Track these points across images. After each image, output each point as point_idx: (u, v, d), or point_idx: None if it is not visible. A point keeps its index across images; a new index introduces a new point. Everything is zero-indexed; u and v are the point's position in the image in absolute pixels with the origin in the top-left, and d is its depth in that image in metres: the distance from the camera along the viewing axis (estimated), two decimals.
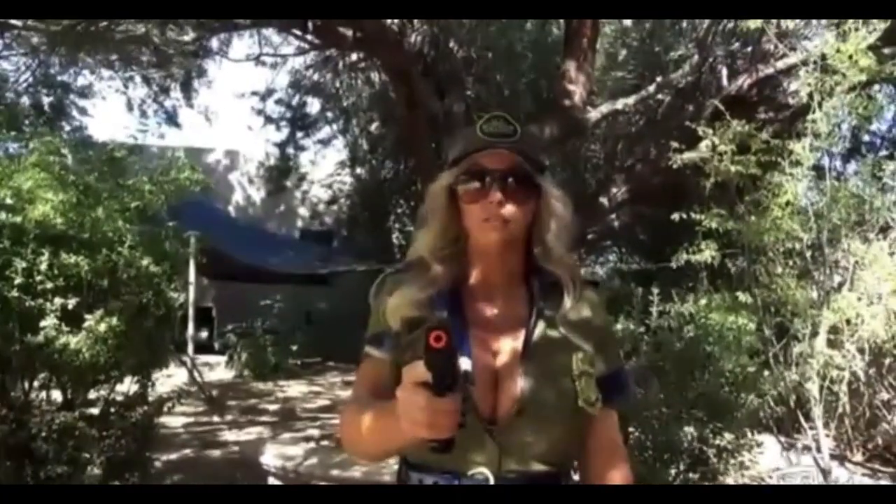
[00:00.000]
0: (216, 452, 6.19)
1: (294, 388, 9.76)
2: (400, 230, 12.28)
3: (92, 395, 3.92)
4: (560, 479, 1.24)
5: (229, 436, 6.87)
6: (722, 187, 5.39)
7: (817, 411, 4.94)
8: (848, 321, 4.61)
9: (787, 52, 6.49)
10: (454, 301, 1.28)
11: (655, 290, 3.89)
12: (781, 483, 4.26)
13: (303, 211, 15.38)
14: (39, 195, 3.86)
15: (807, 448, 5.12)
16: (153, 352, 4.02)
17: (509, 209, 1.23)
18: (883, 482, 5.26)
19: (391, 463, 1.32)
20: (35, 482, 3.48)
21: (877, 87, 6.95)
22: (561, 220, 1.28)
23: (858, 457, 6.09)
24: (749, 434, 3.85)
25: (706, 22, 7.21)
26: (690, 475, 3.57)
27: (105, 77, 10.68)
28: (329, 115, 12.15)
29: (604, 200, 7.75)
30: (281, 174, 12.83)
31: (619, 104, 7.11)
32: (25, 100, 11.40)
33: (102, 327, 3.49)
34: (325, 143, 12.73)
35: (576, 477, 1.31)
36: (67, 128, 11.35)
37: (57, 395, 3.87)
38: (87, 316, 3.57)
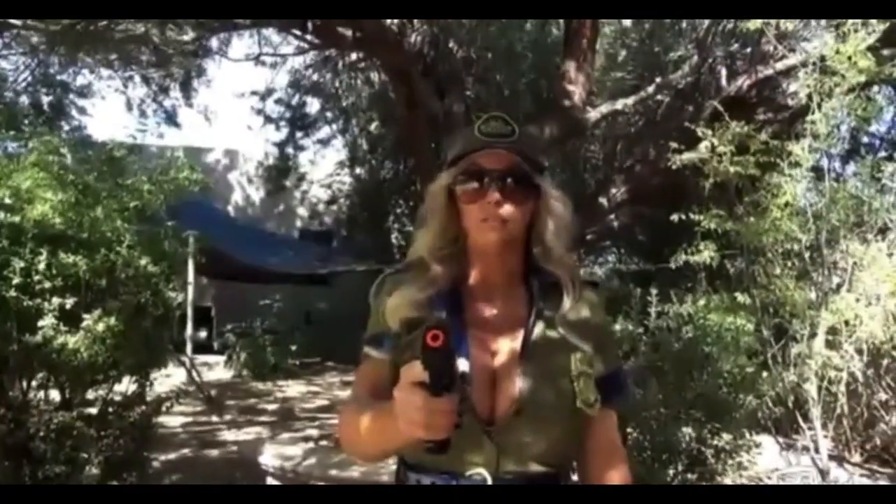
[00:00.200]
0: (214, 452, 6.19)
1: (293, 388, 9.76)
2: (399, 230, 12.28)
3: (90, 394, 3.91)
4: (559, 480, 1.24)
5: (228, 435, 6.86)
6: (721, 188, 5.40)
7: (815, 412, 4.94)
8: (846, 322, 4.62)
9: (786, 53, 6.50)
10: (453, 301, 1.27)
11: (654, 291, 3.89)
12: (780, 483, 4.26)
13: (302, 211, 15.38)
14: (38, 195, 3.86)
15: (805, 449, 5.13)
16: (151, 351, 4.01)
17: (507, 209, 1.23)
18: (881, 482, 5.26)
19: (390, 463, 1.32)
20: (33, 482, 3.47)
21: (876, 88, 6.95)
22: (560, 220, 1.28)
23: (857, 457, 6.10)
24: (747, 434, 3.85)
25: (706, 23, 7.21)
26: (689, 476, 3.57)
27: (104, 76, 10.67)
28: (328, 114, 12.16)
29: (603, 201, 7.75)
30: (280, 174, 12.82)
31: (619, 104, 7.11)
32: (25, 99, 11.40)
33: (100, 327, 3.48)
34: (324, 142, 12.74)
35: (574, 477, 1.31)
36: (67, 127, 11.34)
37: (55, 395, 3.86)
38: (86, 316, 3.56)
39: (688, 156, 5.85)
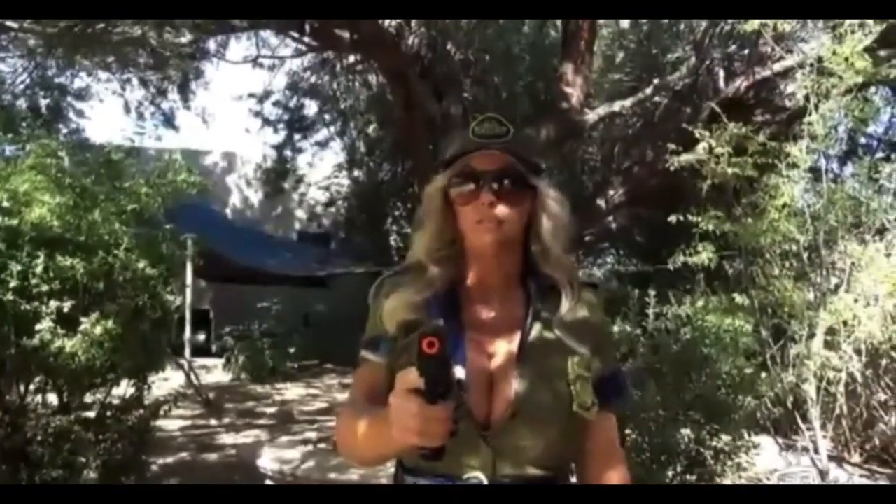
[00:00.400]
0: (213, 456, 6.17)
1: (292, 391, 9.74)
2: (398, 232, 12.28)
3: (88, 398, 3.90)
4: (556, 483, 1.23)
5: (226, 439, 6.85)
6: (719, 189, 5.40)
7: (814, 412, 4.94)
8: (845, 323, 4.62)
9: (783, 54, 6.50)
10: (451, 304, 1.27)
11: (652, 293, 3.88)
12: (780, 483, 4.26)
13: (300, 213, 15.38)
14: (36, 198, 3.85)
15: (805, 449, 5.12)
16: (149, 355, 4.00)
17: (502, 210, 1.23)
18: (881, 483, 5.26)
19: (388, 466, 1.32)
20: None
21: (873, 89, 6.96)
22: (557, 221, 1.27)
23: (856, 458, 6.10)
24: (746, 435, 3.84)
25: (703, 24, 7.22)
26: (688, 477, 3.56)
27: (102, 79, 10.69)
28: (326, 117, 12.16)
29: (601, 202, 7.77)
30: (278, 176, 12.82)
31: (616, 106, 7.12)
32: (22, 102, 11.39)
33: (98, 330, 3.47)
34: (322, 145, 12.75)
35: (573, 480, 1.30)
36: (65, 130, 11.32)
37: (53, 399, 3.85)
38: (83, 319, 3.55)
39: (686, 157, 5.86)
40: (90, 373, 3.61)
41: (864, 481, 5.21)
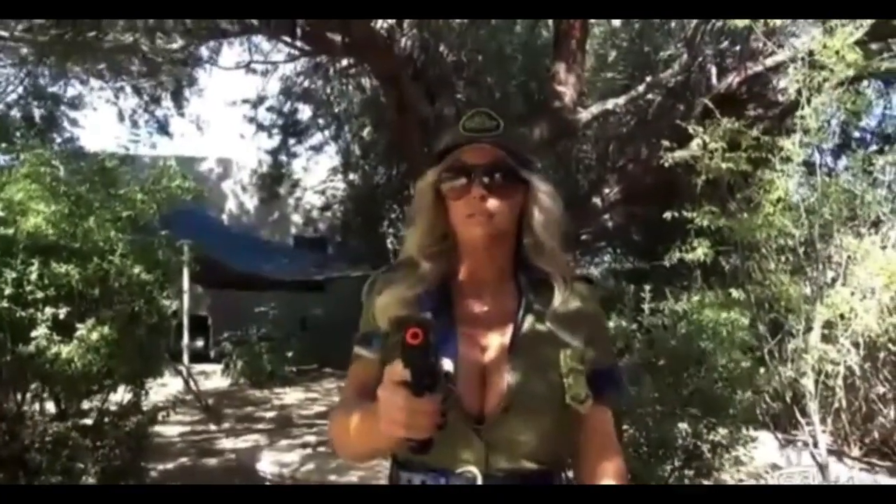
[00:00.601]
0: (213, 461, 6.15)
1: (290, 395, 9.72)
2: (394, 235, 12.27)
3: (85, 405, 3.89)
4: (552, 477, 1.23)
5: (226, 444, 6.83)
6: (713, 185, 5.41)
7: (813, 406, 4.95)
8: (841, 316, 4.63)
9: (775, 49, 6.52)
10: (443, 298, 1.27)
11: (647, 287, 3.89)
12: (781, 482, 4.26)
13: (296, 218, 15.38)
14: (31, 207, 3.85)
15: (804, 444, 5.13)
16: (146, 360, 3.99)
17: (493, 203, 1.22)
18: (881, 476, 5.26)
19: (387, 467, 1.32)
20: None
21: (865, 82, 6.99)
22: (549, 214, 1.27)
23: (856, 451, 6.10)
24: (744, 429, 3.84)
25: (694, 21, 7.23)
26: (685, 471, 3.56)
27: (95, 88, 10.68)
28: (321, 121, 12.16)
29: (597, 201, 7.78)
30: (274, 181, 12.81)
31: (610, 104, 7.13)
32: (16, 112, 11.39)
33: (94, 336, 3.47)
34: (317, 149, 12.74)
35: (569, 474, 1.29)
36: (59, 139, 11.32)
37: (50, 406, 3.84)
38: (79, 325, 3.55)
39: (680, 153, 5.87)
40: (87, 379, 3.60)
41: (864, 475, 5.21)
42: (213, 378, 10.51)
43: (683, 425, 3.52)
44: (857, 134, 8.88)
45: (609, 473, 1.24)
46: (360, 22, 5.33)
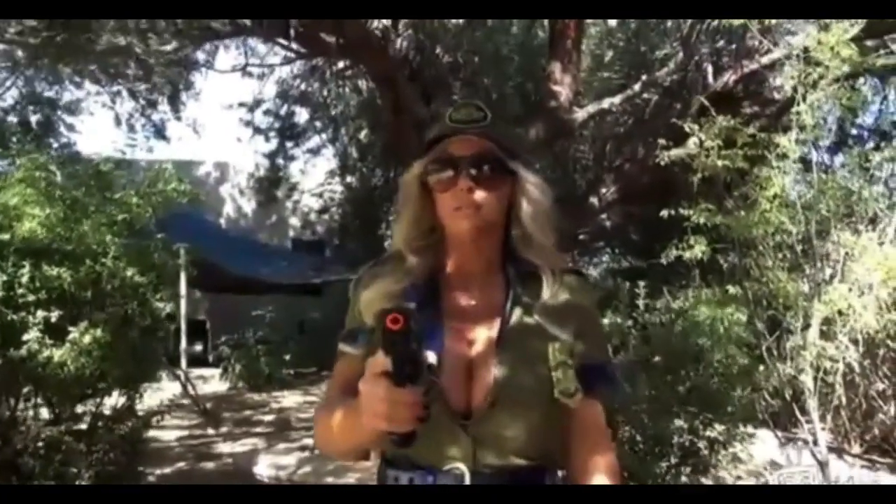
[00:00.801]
0: (210, 465, 6.12)
1: (289, 399, 9.69)
2: (392, 237, 12.23)
3: (79, 408, 3.86)
4: (543, 473, 1.20)
5: (224, 448, 6.80)
6: (710, 183, 5.40)
7: (812, 403, 4.92)
8: (840, 312, 4.61)
9: (770, 47, 6.51)
10: (430, 292, 1.25)
11: (642, 283, 3.87)
12: (781, 482, 4.23)
13: (294, 221, 15.35)
14: (26, 211, 3.84)
15: (804, 442, 5.10)
16: (140, 364, 3.97)
17: (480, 195, 1.20)
18: (881, 473, 5.24)
19: None
20: None
21: (862, 80, 6.97)
22: (537, 205, 1.25)
23: (857, 449, 6.08)
24: (742, 426, 3.81)
25: (690, 20, 7.23)
26: (682, 469, 3.53)
27: (92, 92, 10.68)
28: (318, 124, 12.14)
29: (594, 200, 7.76)
30: (271, 185, 12.79)
31: (606, 103, 7.12)
32: (13, 117, 11.39)
33: (87, 339, 3.44)
34: (314, 152, 12.72)
35: (561, 474, 1.26)
36: (56, 144, 11.30)
37: (43, 410, 3.81)
38: (71, 328, 3.53)
39: (676, 152, 5.86)
40: (79, 382, 3.58)
41: (865, 472, 5.19)
42: (212, 382, 10.49)
43: (680, 422, 3.49)
44: (853, 131, 8.88)
45: (600, 469, 1.21)
46: (354, 23, 5.31)
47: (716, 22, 7.08)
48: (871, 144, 8.50)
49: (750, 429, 4.00)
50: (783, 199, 4.93)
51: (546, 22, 7.78)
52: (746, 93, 7.23)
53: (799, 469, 4.53)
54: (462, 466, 1.15)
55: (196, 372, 10.33)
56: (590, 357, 1.24)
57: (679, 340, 3.73)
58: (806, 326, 4.86)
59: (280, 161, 12.41)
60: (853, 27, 4.79)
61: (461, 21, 9.18)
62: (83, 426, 3.77)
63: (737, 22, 5.58)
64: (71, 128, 12.02)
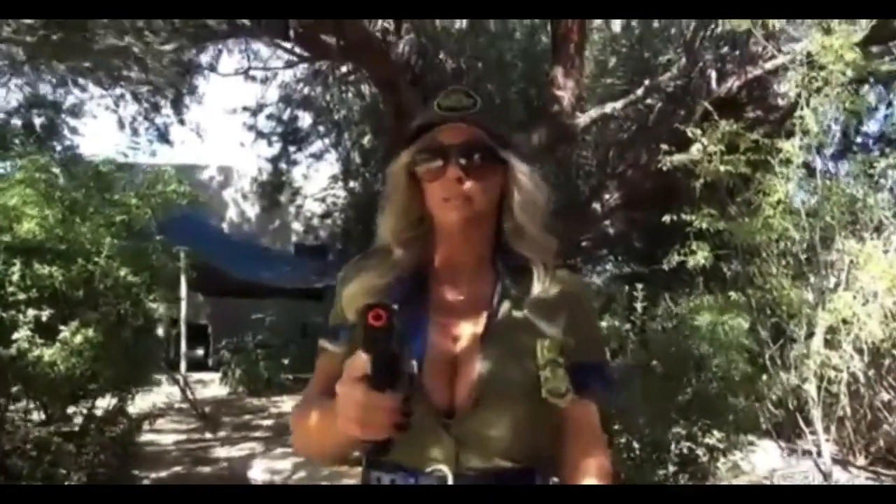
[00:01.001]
0: (206, 469, 6.08)
1: (288, 404, 9.64)
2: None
3: (70, 409, 3.82)
4: (533, 477, 1.14)
5: (221, 452, 6.76)
6: (712, 188, 5.35)
7: (816, 414, 4.85)
8: (844, 321, 4.55)
9: (775, 52, 6.46)
10: (416, 285, 1.20)
11: (640, 286, 3.81)
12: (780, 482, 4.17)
13: (297, 225, 15.34)
14: (25, 212, 3.83)
15: (808, 452, 5.02)
16: (133, 365, 3.93)
17: (470, 185, 1.15)
18: (886, 485, 5.16)
19: None
20: None
21: (866, 86, 6.92)
22: (530, 196, 1.20)
23: (861, 460, 5.99)
24: (742, 434, 3.75)
25: (693, 25, 7.20)
26: (680, 476, 3.46)
27: (96, 96, 10.67)
28: (321, 128, 12.11)
29: (597, 206, 7.71)
30: (274, 189, 12.77)
31: (608, 108, 7.08)
32: (17, 120, 11.40)
33: (78, 339, 3.40)
34: (317, 157, 12.68)
35: (555, 480, 1.21)
36: (59, 147, 11.30)
37: (33, 410, 3.77)
38: (62, 327, 3.49)
39: (678, 157, 5.81)
40: (70, 383, 3.54)
41: (870, 484, 5.10)
42: (212, 386, 10.46)
43: (678, 429, 3.43)
44: (858, 139, 8.83)
45: (592, 472, 1.16)
46: (354, 25, 5.29)
47: (719, 28, 7.05)
48: (876, 152, 8.44)
49: (755, 440, 3.93)
50: (787, 206, 4.88)
51: (549, 27, 7.75)
52: (750, 99, 7.19)
53: (799, 469, 4.47)
54: (444, 468, 1.09)
55: (196, 376, 10.31)
56: (583, 356, 1.18)
57: (679, 346, 3.67)
58: (810, 335, 4.80)
59: (283, 165, 12.40)
60: (857, 32, 4.75)
61: (464, 26, 9.19)
62: (74, 427, 3.72)
63: (741, 28, 5.55)
64: (74, 131, 12.02)
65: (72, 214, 4.15)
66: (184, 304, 8.65)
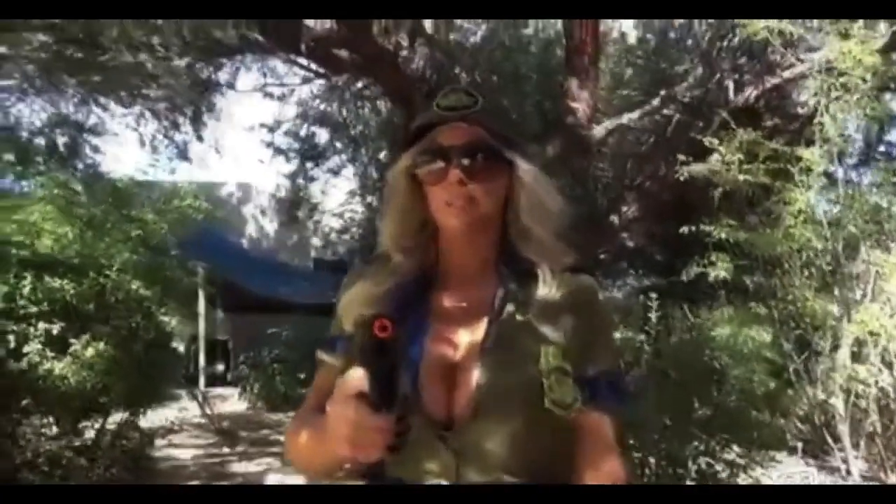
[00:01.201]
0: (222, 484, 6.05)
1: None
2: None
3: (81, 423, 3.82)
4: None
5: (237, 467, 6.72)
6: (731, 198, 5.27)
7: (844, 430, 4.71)
8: (871, 333, 4.43)
9: (793, 61, 6.37)
10: (417, 293, 1.15)
11: (654, 295, 3.72)
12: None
13: (316, 241, 15.39)
14: (45, 228, 3.87)
15: (835, 470, 4.87)
16: (145, 378, 3.92)
17: (473, 188, 1.10)
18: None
19: None
20: None
21: (888, 95, 6.78)
22: (536, 197, 1.14)
23: (893, 478, 5.79)
24: (766, 451, 3.62)
25: (709, 35, 7.14)
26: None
27: (117, 114, 10.81)
28: (338, 144, 12.17)
29: (614, 219, 7.63)
30: (292, 205, 12.84)
31: (624, 119, 7.02)
32: (40, 140, 11.59)
33: (89, 352, 3.40)
34: (334, 172, 12.72)
35: None
36: (81, 165, 11.46)
37: (45, 424, 3.77)
38: (73, 341, 3.49)
39: (697, 167, 5.74)
40: (81, 396, 3.53)
41: None
42: (231, 401, 10.46)
43: (696, 443, 3.32)
44: (881, 147, 8.67)
45: (603, 482, 1.08)
46: (366, 38, 5.30)
47: (736, 38, 6.98)
48: None
49: (781, 456, 3.80)
50: (808, 216, 4.79)
51: (564, 39, 7.73)
52: (769, 108, 7.09)
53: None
54: (443, 483, 1.04)
55: (216, 391, 10.32)
56: (594, 364, 1.11)
57: (696, 357, 3.57)
58: (835, 348, 4.68)
59: (301, 181, 12.46)
60: (877, 39, 4.67)
61: (479, 40, 9.20)
62: (86, 441, 3.71)
63: (758, 37, 5.47)
64: (96, 149, 12.18)
65: (90, 230, 4.18)
66: (202, 320, 8.69)
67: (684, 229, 5.15)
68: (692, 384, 3.28)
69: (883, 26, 5.21)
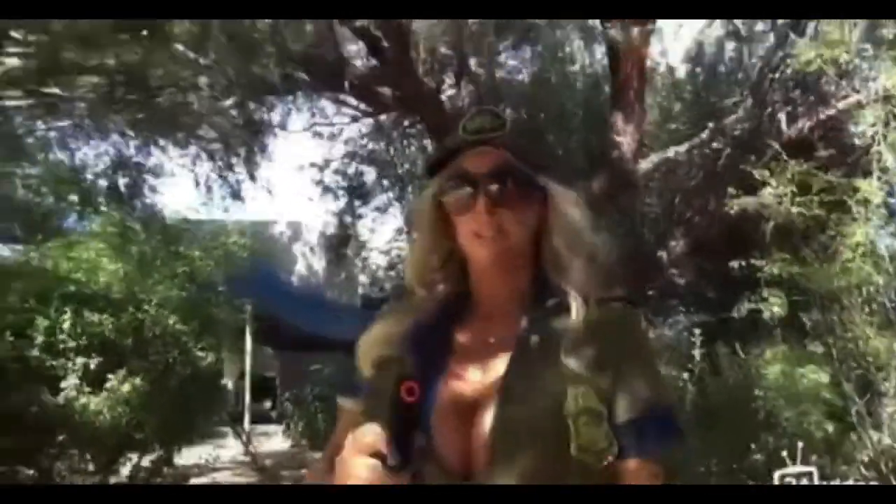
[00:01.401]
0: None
1: None
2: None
3: (115, 458, 3.83)
4: None
5: None
6: (784, 232, 5.07)
7: None
8: None
9: (848, 91, 6.15)
10: (438, 330, 1.07)
11: (697, 331, 3.54)
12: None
13: (363, 278, 15.48)
14: (100, 265, 3.98)
15: None
16: (182, 413, 3.92)
17: (503, 217, 1.03)
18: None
19: None
20: None
21: None
22: (569, 223, 1.06)
23: None
24: None
25: (759, 66, 7.00)
26: None
27: (175, 156, 11.22)
28: (384, 182, 12.30)
29: (662, 254, 7.43)
30: (340, 243, 12.98)
31: (671, 152, 6.88)
32: (103, 181, 12.09)
33: (126, 388, 3.43)
34: (381, 210, 12.83)
35: None
36: (139, 205, 11.89)
37: (80, 460, 3.80)
38: (110, 376, 3.53)
39: (747, 200, 5.54)
40: (116, 432, 3.54)
41: None
42: (275, 439, 10.48)
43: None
44: None
45: None
46: (408, 76, 5.38)
47: (788, 70, 6.80)
48: None
49: None
50: (867, 249, 4.55)
51: (610, 74, 7.69)
52: (823, 139, 6.84)
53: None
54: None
55: (260, 429, 10.36)
56: (634, 406, 0.99)
57: (744, 398, 3.36)
58: None
59: (348, 219, 12.61)
60: None
61: (525, 78, 9.22)
62: (121, 479, 3.72)
63: (810, 68, 5.32)
64: (154, 189, 12.65)
65: (140, 267, 4.28)
66: (248, 357, 8.76)
67: (734, 264, 4.97)
68: (740, 426, 3.07)
69: None
